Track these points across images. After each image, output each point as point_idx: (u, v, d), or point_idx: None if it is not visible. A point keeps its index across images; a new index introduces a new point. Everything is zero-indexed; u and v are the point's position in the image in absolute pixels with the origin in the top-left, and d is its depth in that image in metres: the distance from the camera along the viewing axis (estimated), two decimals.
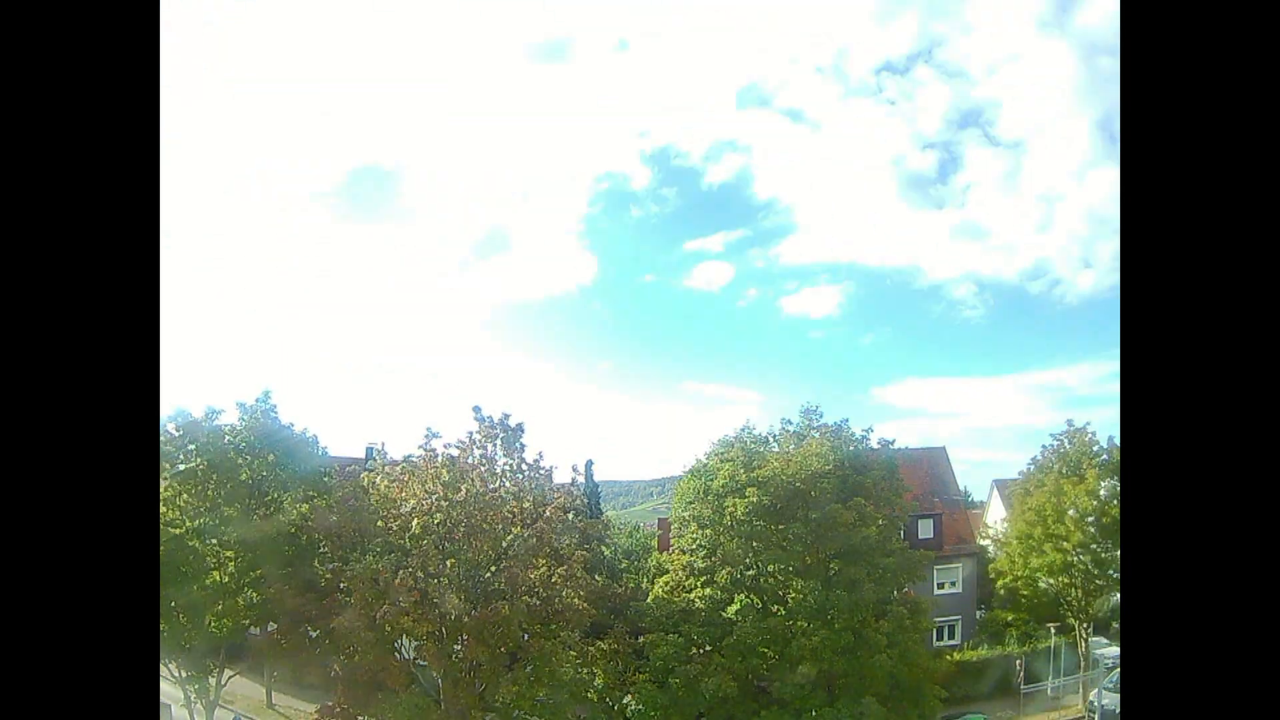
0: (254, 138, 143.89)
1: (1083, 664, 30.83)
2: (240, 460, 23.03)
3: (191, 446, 22.72)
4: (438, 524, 20.32)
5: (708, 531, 23.42)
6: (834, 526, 22.03)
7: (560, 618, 20.54)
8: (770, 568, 22.78)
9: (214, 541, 22.36)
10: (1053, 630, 30.07)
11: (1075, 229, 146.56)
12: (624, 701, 21.88)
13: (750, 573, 22.87)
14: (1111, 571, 29.19)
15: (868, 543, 22.40)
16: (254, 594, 22.56)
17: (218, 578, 22.48)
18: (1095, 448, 30.76)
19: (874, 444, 24.53)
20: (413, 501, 20.73)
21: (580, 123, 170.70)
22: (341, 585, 20.04)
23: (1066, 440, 31.73)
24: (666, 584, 24.34)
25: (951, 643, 33.33)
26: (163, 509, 21.49)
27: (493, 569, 20.28)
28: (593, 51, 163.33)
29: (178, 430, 22.64)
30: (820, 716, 20.85)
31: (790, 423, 25.23)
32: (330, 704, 20.36)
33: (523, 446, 22.08)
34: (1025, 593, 30.96)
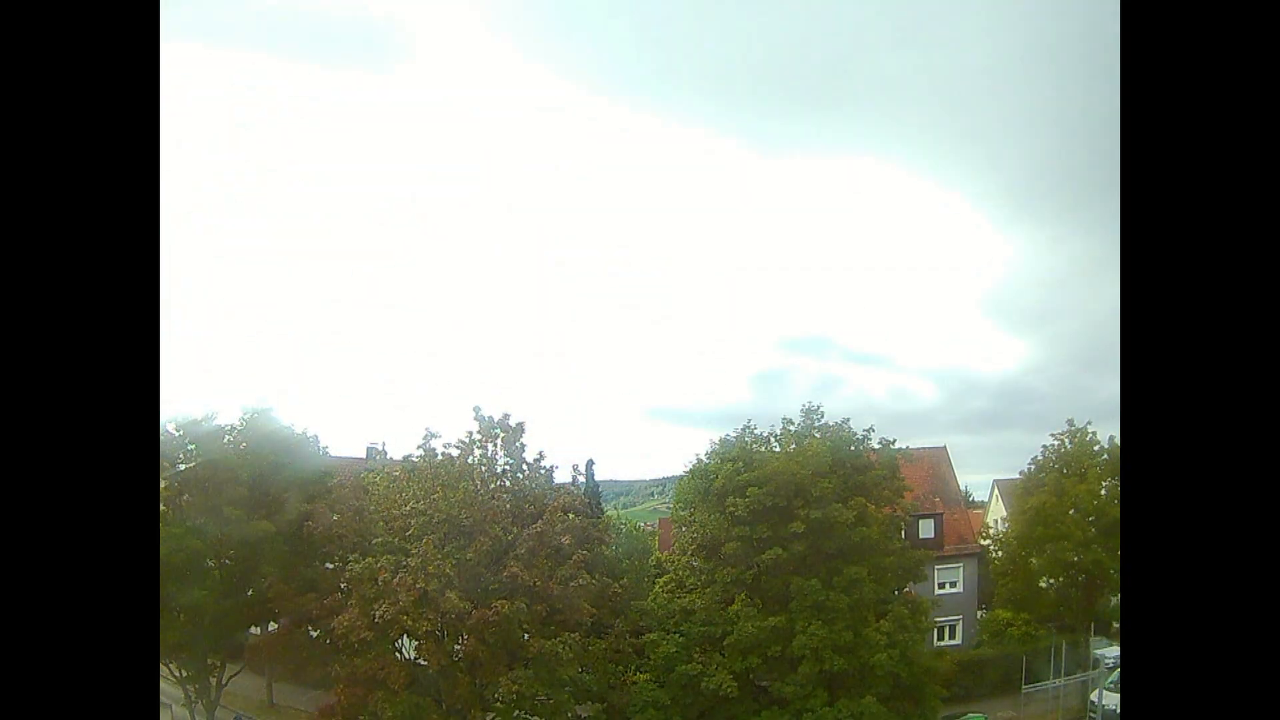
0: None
1: (1083, 664, 30.81)
2: (240, 460, 23.02)
3: (191, 446, 22.72)
4: (437, 524, 20.33)
5: (708, 531, 23.42)
6: (834, 526, 22.02)
7: (560, 618, 20.53)
8: (771, 568, 22.77)
9: (214, 541, 22.37)
10: (1054, 630, 30.05)
11: None
12: (624, 701, 21.86)
13: (750, 573, 22.85)
14: (1111, 571, 29.18)
15: (868, 542, 22.41)
16: (254, 594, 22.55)
17: (218, 578, 22.46)
18: (1095, 448, 30.80)
19: (874, 444, 24.53)
20: (412, 502, 20.74)
21: None
22: (341, 585, 20.06)
23: (1067, 440, 31.71)
24: (667, 584, 24.33)
25: (953, 642, 33.30)
26: (163, 509, 21.50)
27: (493, 569, 20.29)
28: None
29: (178, 430, 22.64)
30: (820, 716, 20.84)
31: (791, 423, 25.21)
32: (330, 703, 20.37)
33: (523, 446, 22.10)
34: (1026, 593, 30.95)
